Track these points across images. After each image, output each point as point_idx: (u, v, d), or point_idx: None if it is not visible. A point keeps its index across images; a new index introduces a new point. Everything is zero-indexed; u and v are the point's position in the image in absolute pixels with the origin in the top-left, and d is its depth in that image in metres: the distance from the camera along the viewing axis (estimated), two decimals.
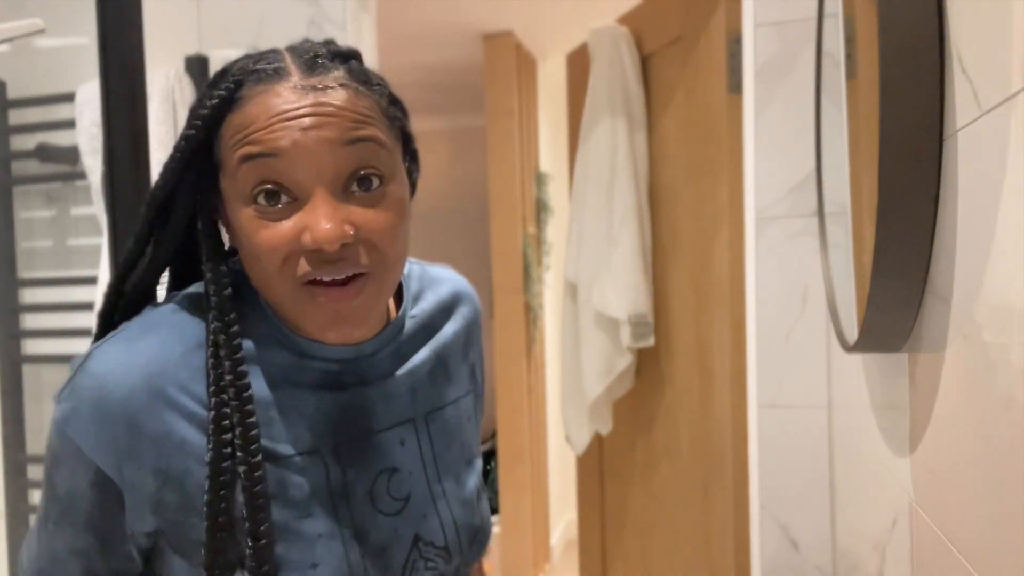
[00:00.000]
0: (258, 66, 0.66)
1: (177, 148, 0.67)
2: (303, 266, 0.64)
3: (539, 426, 3.51)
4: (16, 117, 2.03)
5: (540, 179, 3.49)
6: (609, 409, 2.11)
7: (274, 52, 0.68)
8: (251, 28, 1.81)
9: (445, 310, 0.83)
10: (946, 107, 0.67)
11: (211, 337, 0.68)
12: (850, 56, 0.97)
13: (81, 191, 1.99)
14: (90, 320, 1.74)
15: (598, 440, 2.25)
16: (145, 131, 1.04)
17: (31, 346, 2.05)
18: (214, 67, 1.81)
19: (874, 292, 0.75)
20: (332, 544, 0.69)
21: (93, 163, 1.84)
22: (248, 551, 0.65)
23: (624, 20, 2.10)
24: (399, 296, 0.80)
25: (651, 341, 1.99)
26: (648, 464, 2.09)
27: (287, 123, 0.62)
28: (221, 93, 0.65)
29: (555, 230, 3.63)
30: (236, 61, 0.69)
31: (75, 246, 2.03)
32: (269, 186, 0.63)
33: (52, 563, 0.71)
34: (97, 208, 1.87)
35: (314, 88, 0.64)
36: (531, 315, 3.33)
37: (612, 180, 2.01)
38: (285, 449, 0.68)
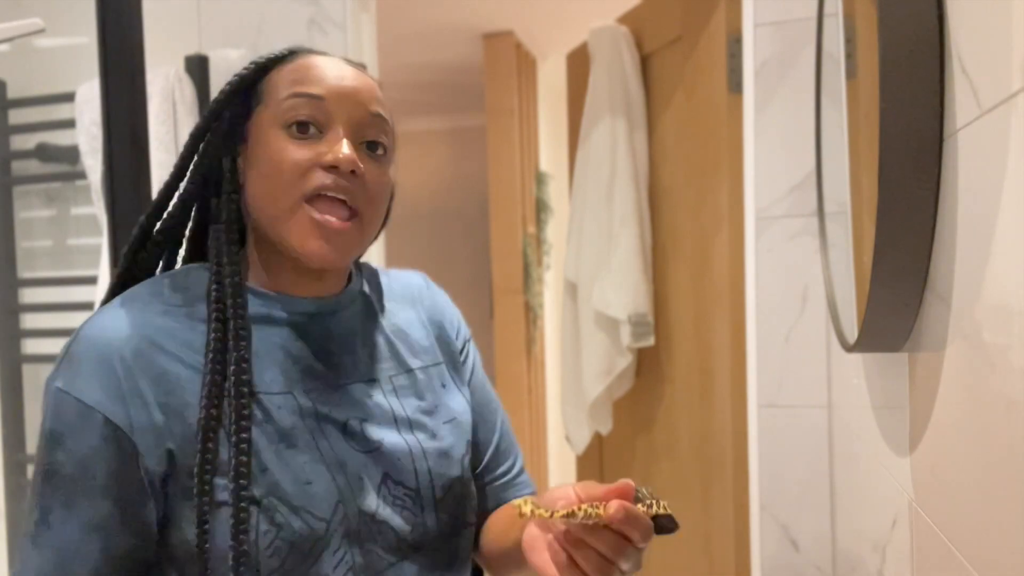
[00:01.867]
0: (307, 47, 0.83)
1: (229, 83, 0.80)
2: (317, 178, 0.75)
3: (539, 426, 3.51)
4: (16, 117, 2.03)
5: (540, 179, 3.49)
6: (609, 409, 2.11)
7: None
8: (251, 28, 1.81)
9: (396, 296, 0.92)
10: (946, 107, 0.67)
11: (214, 254, 0.78)
12: (850, 56, 0.97)
13: (81, 191, 2.00)
14: None
15: (598, 440, 2.25)
16: (145, 131, 1.04)
17: (31, 346, 2.06)
18: (214, 67, 1.81)
19: (874, 292, 0.75)
20: (319, 467, 0.75)
21: (93, 163, 1.84)
22: (231, 459, 0.71)
23: (624, 20, 2.10)
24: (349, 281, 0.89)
25: (651, 341, 1.99)
26: (648, 464, 2.09)
27: (333, 79, 0.78)
28: (277, 52, 0.81)
29: (555, 230, 3.63)
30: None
31: (75, 246, 2.03)
32: (306, 115, 0.76)
33: (64, 560, 0.70)
34: (97, 208, 1.87)
35: (352, 65, 0.81)
36: (531, 315, 3.33)
37: (612, 180, 2.01)
38: (262, 387, 0.76)
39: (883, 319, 0.78)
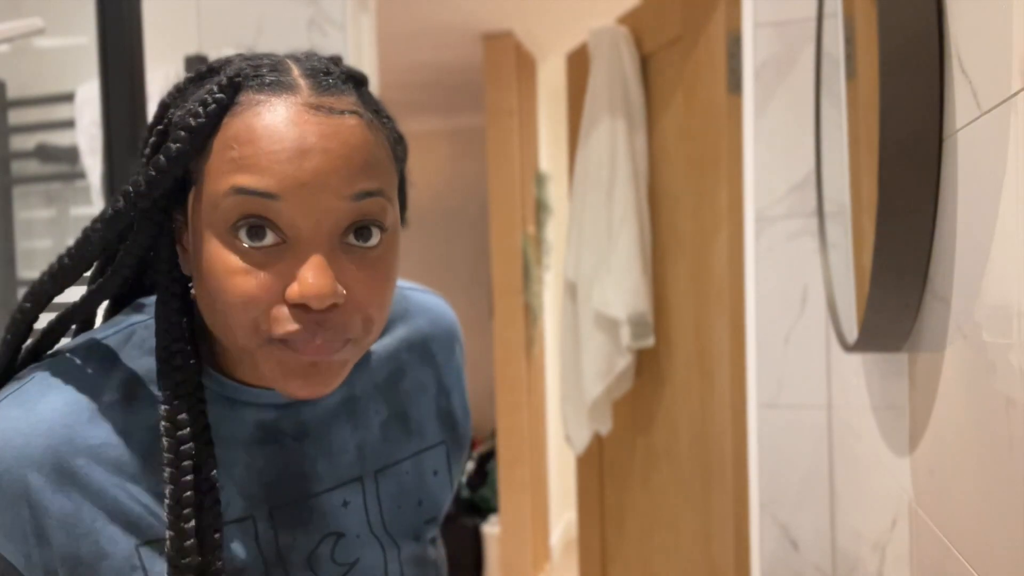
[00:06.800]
0: (260, 72, 0.56)
1: (159, 167, 0.56)
2: (281, 321, 0.54)
3: (539, 426, 3.51)
4: (16, 117, 2.03)
5: (540, 179, 3.49)
6: (609, 409, 2.11)
7: (277, 59, 0.58)
8: (251, 28, 1.81)
9: (414, 349, 0.75)
10: (946, 107, 0.67)
11: (165, 407, 0.58)
12: (850, 56, 0.97)
13: (81, 191, 1.99)
14: None
15: (598, 440, 2.25)
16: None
17: None
18: None
19: (874, 292, 0.75)
20: None
21: (93, 163, 1.84)
22: None
23: (624, 20, 2.10)
24: None
25: (651, 341, 1.99)
26: (648, 464, 2.09)
27: (292, 155, 0.53)
28: (218, 98, 0.55)
29: (555, 230, 3.63)
30: (230, 60, 0.60)
31: None
32: (256, 222, 0.53)
33: None
34: (97, 208, 1.87)
35: (325, 109, 0.55)
36: (531, 315, 3.33)
37: (612, 180, 2.01)
38: None
39: (883, 319, 0.78)
